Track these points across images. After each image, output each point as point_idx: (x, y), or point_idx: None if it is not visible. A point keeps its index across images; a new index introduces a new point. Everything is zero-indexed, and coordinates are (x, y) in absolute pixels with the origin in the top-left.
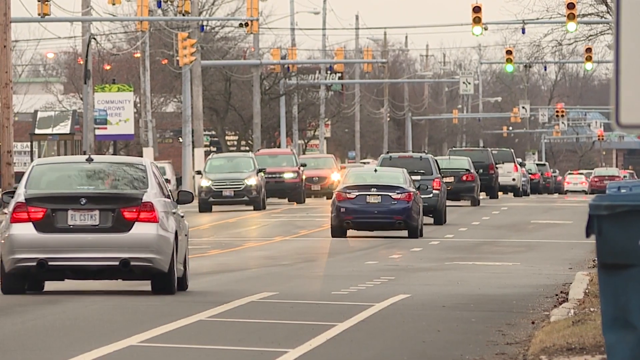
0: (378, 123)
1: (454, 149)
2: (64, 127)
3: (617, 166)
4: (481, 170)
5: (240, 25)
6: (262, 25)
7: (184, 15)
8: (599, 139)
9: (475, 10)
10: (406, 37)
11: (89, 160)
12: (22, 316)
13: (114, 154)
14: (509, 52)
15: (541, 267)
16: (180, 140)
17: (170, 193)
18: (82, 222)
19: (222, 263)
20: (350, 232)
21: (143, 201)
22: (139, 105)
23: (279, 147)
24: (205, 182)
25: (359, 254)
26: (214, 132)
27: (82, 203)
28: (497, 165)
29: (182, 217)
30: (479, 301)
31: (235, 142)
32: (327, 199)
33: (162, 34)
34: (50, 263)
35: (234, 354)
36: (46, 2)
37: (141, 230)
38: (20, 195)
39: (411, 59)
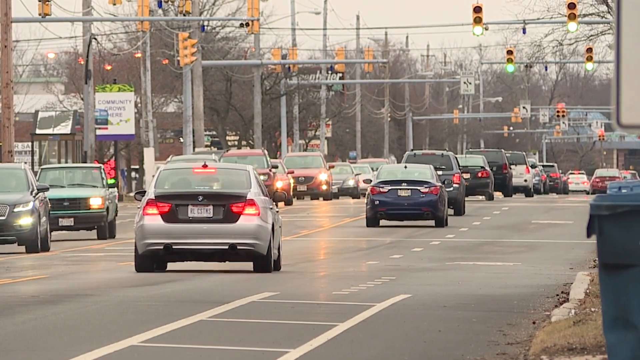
0: (379, 123)
1: (470, 149)
2: (65, 127)
3: (617, 166)
4: (494, 169)
5: (241, 25)
6: (262, 26)
7: (184, 15)
8: (599, 139)
9: (475, 10)
10: (407, 37)
11: (204, 166)
12: (23, 316)
13: (115, 154)
14: (509, 52)
15: (542, 267)
16: (181, 140)
17: (268, 193)
18: (199, 214)
19: (223, 263)
20: (381, 223)
21: (247, 198)
22: (139, 105)
23: (279, 147)
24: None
25: (360, 254)
26: (214, 132)
27: (199, 200)
28: (510, 167)
29: (277, 212)
30: (480, 301)
31: (236, 142)
32: (312, 199)
33: (162, 34)
34: (174, 247)
35: (235, 354)
36: (47, 2)
37: (246, 221)
38: (150, 194)
39: (412, 59)
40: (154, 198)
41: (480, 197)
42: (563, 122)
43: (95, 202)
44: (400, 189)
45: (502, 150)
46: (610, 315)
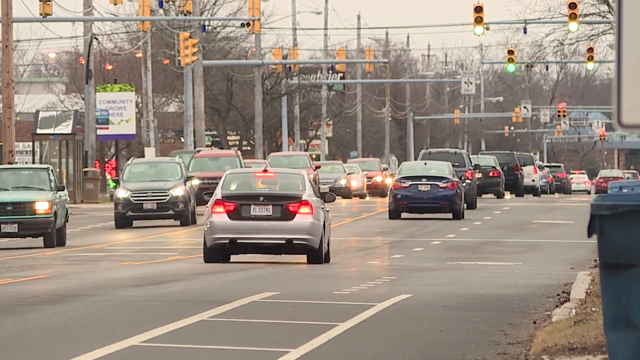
0: (380, 123)
1: (483, 151)
2: (66, 127)
3: (618, 166)
4: (506, 169)
5: (242, 25)
6: (263, 25)
7: (185, 15)
8: (600, 139)
9: (476, 10)
10: (408, 37)
11: (265, 170)
12: (24, 316)
13: (116, 154)
14: (510, 52)
15: (543, 267)
16: (182, 140)
17: (320, 194)
18: (260, 213)
19: (223, 263)
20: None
21: (302, 199)
22: (140, 105)
23: (280, 147)
24: (122, 193)
25: (360, 253)
26: (215, 132)
27: (260, 200)
28: (522, 168)
29: (327, 211)
30: (480, 301)
31: (237, 142)
32: None
33: (163, 34)
34: (238, 241)
35: (236, 354)
36: (48, 2)
37: (301, 219)
38: (218, 194)
39: (413, 59)
40: (221, 198)
41: (491, 195)
42: (564, 122)
43: (42, 207)
44: (420, 184)
45: (514, 152)
46: (611, 315)
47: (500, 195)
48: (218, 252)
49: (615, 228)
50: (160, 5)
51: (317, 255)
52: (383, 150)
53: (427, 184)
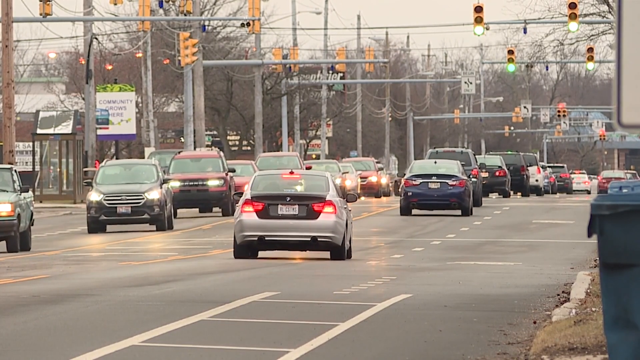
0: (380, 123)
1: (490, 152)
2: (66, 127)
3: (618, 166)
4: (513, 169)
5: (242, 25)
6: (263, 25)
7: (185, 15)
8: (600, 139)
9: (476, 10)
10: (408, 36)
11: (291, 172)
12: (24, 316)
13: (116, 154)
14: (510, 52)
15: (543, 266)
16: (182, 140)
17: (342, 194)
18: (287, 212)
19: (224, 263)
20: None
21: (326, 199)
22: (140, 105)
23: (280, 147)
24: (95, 196)
25: (360, 253)
26: (215, 132)
27: (287, 200)
28: (527, 168)
29: (350, 210)
30: (480, 301)
31: (237, 142)
32: None
33: (163, 34)
34: (266, 238)
35: (236, 354)
36: (48, 2)
37: (325, 218)
38: (247, 194)
39: (413, 59)
40: (250, 198)
41: (495, 195)
42: (564, 122)
43: (4, 209)
44: (430, 182)
45: (520, 153)
46: (611, 315)
47: (506, 195)
48: (247, 249)
49: (615, 228)
50: (161, 5)
51: (339, 251)
52: (383, 150)
53: (437, 182)
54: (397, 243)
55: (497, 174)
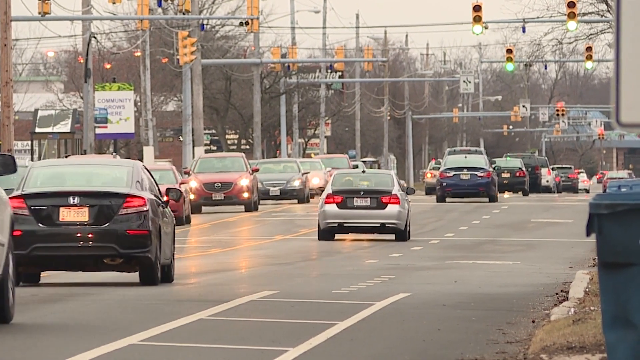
0: (378, 122)
1: (508, 154)
2: (65, 126)
3: (617, 165)
4: (529, 170)
5: (241, 24)
6: (262, 24)
7: (184, 14)
8: (599, 138)
9: (475, 9)
10: (406, 35)
11: (363, 172)
12: (22, 315)
13: (114, 152)
14: (509, 51)
15: (541, 265)
16: (181, 139)
17: (404, 189)
18: (361, 204)
19: (222, 262)
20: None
21: (392, 193)
22: (139, 104)
23: (279, 146)
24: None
25: (359, 252)
26: (214, 131)
27: (361, 194)
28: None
29: (409, 201)
30: (479, 300)
31: (236, 141)
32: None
33: (162, 33)
34: (344, 225)
35: (235, 353)
36: (46, 1)
37: (391, 209)
38: (329, 190)
39: (411, 58)
40: (331, 192)
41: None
42: (562, 121)
43: None
44: (462, 173)
45: (535, 154)
46: (610, 314)
47: (526, 193)
48: (329, 233)
49: (614, 227)
50: (159, 4)
51: (402, 235)
52: (381, 150)
53: (468, 174)
54: (395, 242)
55: (517, 174)
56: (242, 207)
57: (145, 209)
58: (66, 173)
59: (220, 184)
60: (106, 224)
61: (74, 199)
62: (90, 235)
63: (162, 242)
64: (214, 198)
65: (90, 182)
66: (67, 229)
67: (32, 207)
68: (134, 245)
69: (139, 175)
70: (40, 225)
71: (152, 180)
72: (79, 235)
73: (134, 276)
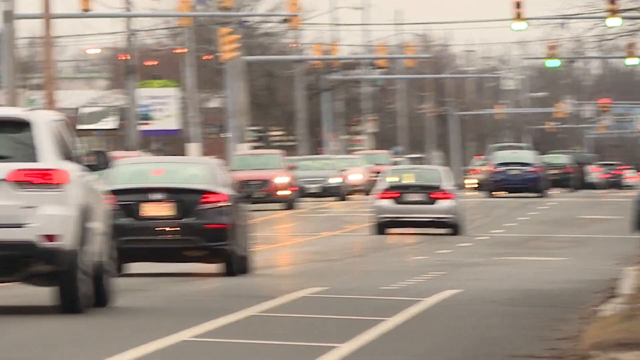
0: (422, 118)
1: (553, 151)
2: (109, 123)
3: None
4: (577, 165)
5: (284, 20)
6: (303, 21)
7: (224, 11)
8: None
9: (516, 6)
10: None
11: (414, 168)
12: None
13: (160, 149)
14: (551, 48)
15: (590, 262)
16: (222, 135)
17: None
18: (413, 199)
19: (269, 258)
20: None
21: (441, 188)
22: (185, 100)
23: (320, 143)
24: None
25: (407, 249)
26: (261, 127)
27: (413, 190)
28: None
29: (460, 196)
30: (528, 296)
31: (280, 138)
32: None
33: (202, 30)
34: (398, 219)
35: (285, 349)
36: None
37: (442, 204)
38: (385, 185)
39: (453, 55)
40: (386, 188)
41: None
42: (606, 117)
43: None
44: (512, 168)
45: (580, 151)
46: None
47: (574, 189)
48: (384, 227)
49: None
50: (201, 1)
51: (457, 229)
52: (424, 146)
53: (517, 169)
54: (443, 239)
55: (566, 170)
56: (280, 204)
57: (224, 204)
58: (149, 170)
59: (256, 182)
60: (187, 219)
61: (158, 195)
62: (172, 229)
63: (239, 235)
64: (249, 196)
65: (173, 179)
66: (151, 222)
67: (120, 202)
68: (213, 239)
69: (217, 172)
70: (127, 219)
71: (228, 177)
72: (162, 229)
73: (213, 268)
